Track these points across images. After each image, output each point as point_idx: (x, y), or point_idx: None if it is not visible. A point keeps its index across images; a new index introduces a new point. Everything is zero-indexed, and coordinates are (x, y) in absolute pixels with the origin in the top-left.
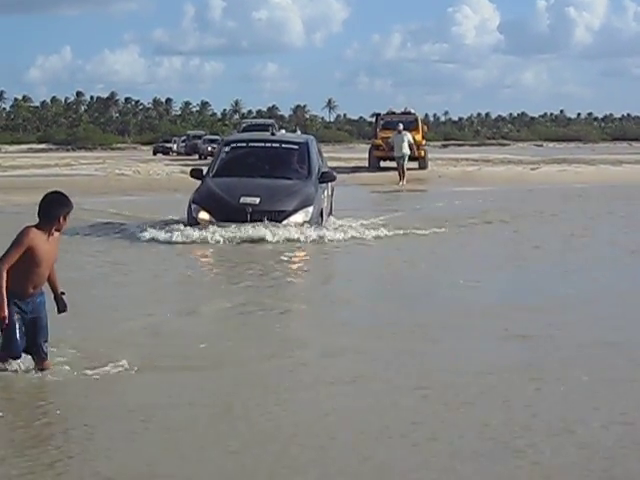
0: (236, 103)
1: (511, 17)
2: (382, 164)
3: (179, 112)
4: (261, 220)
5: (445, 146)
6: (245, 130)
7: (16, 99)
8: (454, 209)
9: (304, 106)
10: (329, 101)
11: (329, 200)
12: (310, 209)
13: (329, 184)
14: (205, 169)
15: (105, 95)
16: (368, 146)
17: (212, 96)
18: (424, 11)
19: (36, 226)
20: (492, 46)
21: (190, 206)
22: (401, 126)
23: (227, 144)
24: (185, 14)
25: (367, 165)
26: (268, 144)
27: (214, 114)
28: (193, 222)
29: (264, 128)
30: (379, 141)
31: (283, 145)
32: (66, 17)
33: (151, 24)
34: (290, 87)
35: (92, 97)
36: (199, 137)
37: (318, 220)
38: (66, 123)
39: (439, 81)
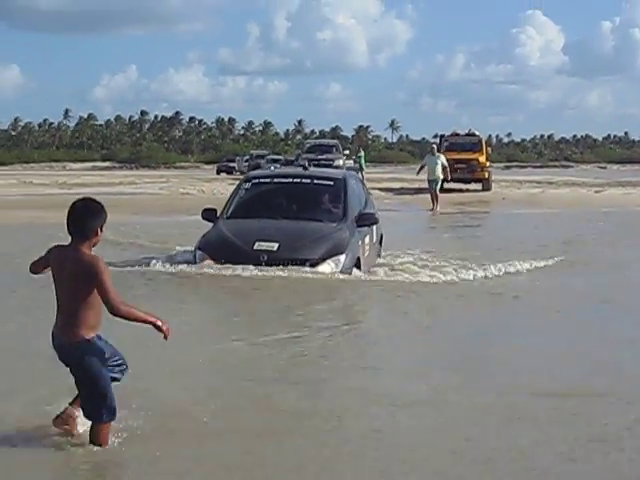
0: (299, 123)
1: (576, 38)
2: (445, 185)
3: (242, 132)
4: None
5: (508, 167)
6: (309, 150)
7: (81, 117)
8: (527, 237)
9: (367, 126)
10: (392, 122)
11: (374, 247)
12: (341, 257)
13: (374, 227)
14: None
15: (169, 114)
16: None
17: (275, 116)
18: (488, 32)
19: (75, 245)
20: (556, 67)
21: (194, 253)
22: (435, 147)
23: (248, 180)
24: (250, 34)
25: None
26: (297, 180)
27: (277, 134)
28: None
29: (328, 149)
30: None
31: (315, 181)
32: (132, 37)
33: (216, 44)
34: (353, 107)
35: (156, 116)
36: (262, 157)
37: (352, 271)
38: (130, 141)
39: (502, 102)
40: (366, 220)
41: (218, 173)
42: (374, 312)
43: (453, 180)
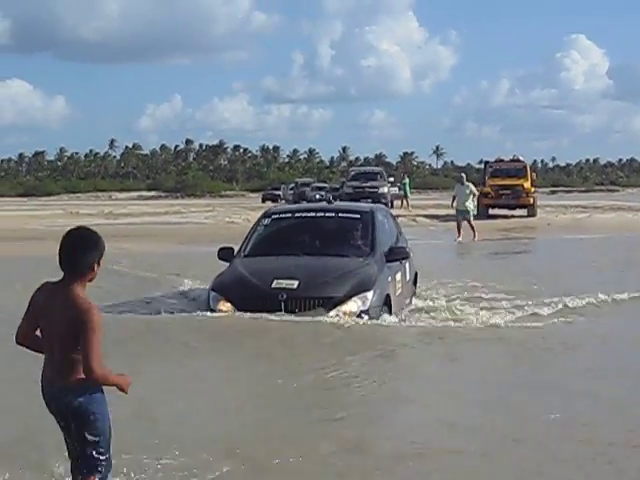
0: (344, 150)
1: (620, 62)
2: (491, 212)
3: (287, 160)
4: (298, 312)
5: (553, 192)
6: (354, 178)
7: (127, 147)
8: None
9: (411, 153)
10: (436, 148)
11: (407, 285)
12: (369, 295)
13: (406, 264)
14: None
15: (214, 143)
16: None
17: (320, 143)
18: (532, 57)
19: (67, 283)
20: (601, 91)
21: (208, 295)
22: (464, 177)
23: (267, 216)
24: (294, 62)
25: (475, 213)
26: (320, 214)
27: (322, 161)
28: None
29: (372, 176)
30: (487, 189)
31: (340, 215)
32: (177, 66)
33: (261, 73)
34: (398, 134)
35: (201, 145)
36: (307, 185)
37: (382, 310)
38: (175, 171)
39: (547, 127)
40: (397, 255)
41: (263, 201)
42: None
43: (498, 206)
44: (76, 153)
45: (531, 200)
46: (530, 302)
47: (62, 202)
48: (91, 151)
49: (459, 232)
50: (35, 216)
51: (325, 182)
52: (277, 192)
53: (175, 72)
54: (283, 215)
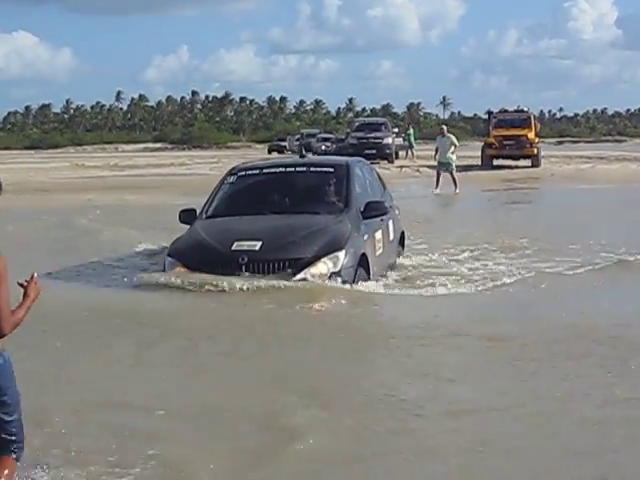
0: (350, 101)
1: (629, 11)
2: (495, 162)
3: (293, 111)
4: (262, 274)
5: (560, 143)
6: (358, 129)
7: (133, 99)
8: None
9: (418, 104)
10: (443, 98)
11: (389, 244)
12: (340, 254)
13: (390, 222)
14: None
15: (220, 94)
16: (481, 144)
17: (326, 94)
18: (540, 7)
19: None
20: (609, 41)
21: (164, 261)
22: (445, 128)
23: (232, 173)
24: (301, 13)
25: (480, 163)
26: (290, 169)
27: (328, 112)
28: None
29: (377, 127)
30: (492, 139)
31: (312, 169)
32: (184, 17)
33: (267, 23)
34: (404, 85)
35: (207, 96)
36: (313, 135)
37: (356, 272)
38: (181, 122)
39: (555, 77)
40: (374, 210)
41: (269, 152)
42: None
43: (502, 157)
44: (82, 105)
45: (535, 151)
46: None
47: (68, 155)
48: (97, 103)
49: (437, 184)
50: (41, 169)
51: (331, 133)
52: (283, 143)
53: (182, 23)
54: (250, 172)
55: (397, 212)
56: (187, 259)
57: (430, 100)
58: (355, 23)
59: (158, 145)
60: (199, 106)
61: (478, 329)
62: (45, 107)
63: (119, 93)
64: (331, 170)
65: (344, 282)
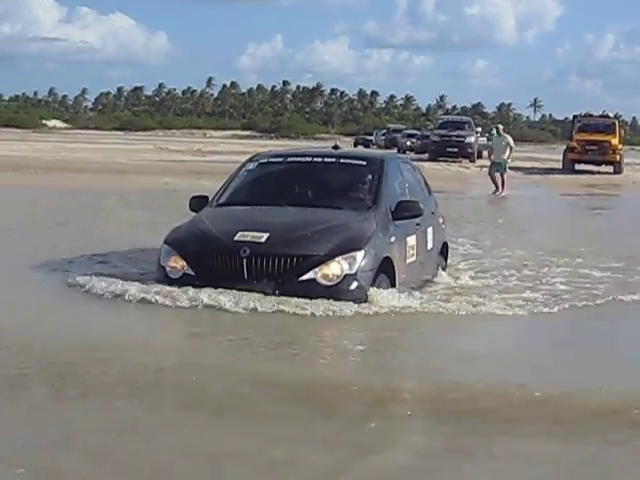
0: (441, 98)
1: None
2: (577, 167)
3: (383, 105)
4: (264, 272)
5: None
6: (441, 126)
7: (224, 85)
8: None
9: (509, 104)
10: (535, 100)
11: (428, 254)
12: (358, 255)
13: (429, 229)
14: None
15: (311, 85)
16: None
17: (417, 90)
18: (639, 12)
19: None
20: None
21: (161, 249)
22: (500, 127)
23: (253, 160)
24: (397, 7)
25: (561, 167)
26: (317, 159)
27: (418, 108)
28: (161, 276)
29: (460, 125)
30: (574, 143)
31: (342, 161)
32: (280, 7)
33: (363, 16)
34: (497, 84)
35: (298, 87)
36: (399, 131)
37: (376, 277)
38: (271, 111)
39: None
40: (406, 210)
41: (355, 146)
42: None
43: (584, 162)
44: (174, 89)
45: (618, 157)
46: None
47: (155, 138)
48: (189, 88)
49: (496, 186)
50: (125, 150)
51: (419, 129)
52: (369, 137)
53: (277, 12)
54: (272, 159)
55: (441, 220)
56: (184, 248)
57: (521, 101)
58: (451, 20)
59: (246, 133)
60: (289, 96)
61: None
62: (137, 89)
63: (210, 79)
64: (363, 164)
65: (359, 288)
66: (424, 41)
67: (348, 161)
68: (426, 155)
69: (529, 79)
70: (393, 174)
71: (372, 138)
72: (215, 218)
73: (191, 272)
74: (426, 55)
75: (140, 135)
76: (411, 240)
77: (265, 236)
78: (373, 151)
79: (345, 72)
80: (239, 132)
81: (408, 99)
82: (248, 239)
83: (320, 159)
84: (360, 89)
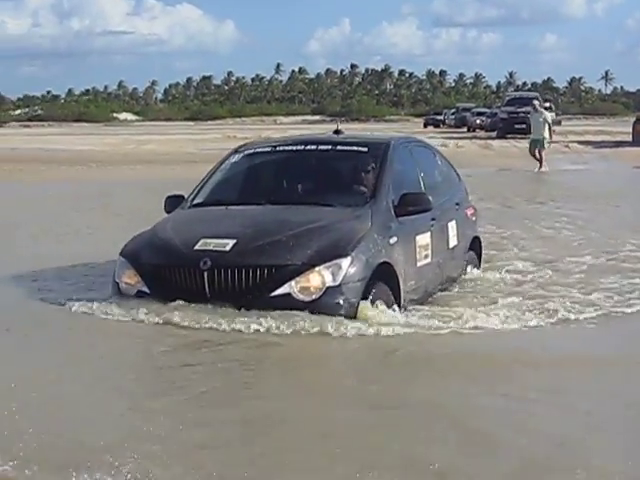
0: (510, 75)
1: None
2: None
3: (453, 84)
4: (228, 288)
5: None
6: (509, 103)
7: (293, 71)
8: None
9: (580, 78)
10: (606, 73)
11: (446, 251)
12: (344, 262)
13: (451, 224)
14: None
15: (379, 67)
16: None
17: (487, 68)
18: None
19: None
20: None
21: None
22: (537, 103)
23: (238, 152)
24: None
25: (631, 140)
26: (310, 147)
27: (488, 86)
28: (114, 293)
29: (527, 101)
30: None
31: (338, 148)
32: None
33: None
34: (567, 59)
35: (367, 69)
36: (468, 109)
37: (370, 288)
38: (340, 95)
39: None
40: (410, 205)
41: (425, 126)
42: None
43: None
44: (243, 77)
45: None
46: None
47: (225, 126)
48: (257, 75)
49: (539, 161)
50: (194, 140)
51: (489, 107)
52: (439, 117)
53: None
54: (260, 149)
55: (470, 212)
56: (139, 260)
57: (592, 75)
58: None
59: (316, 118)
60: (358, 79)
61: None
62: (206, 79)
63: (279, 65)
64: (364, 150)
65: (346, 303)
66: (492, 18)
67: (346, 148)
68: (495, 133)
69: (599, 52)
70: (400, 161)
71: (442, 118)
72: (181, 223)
73: (146, 289)
74: (495, 32)
75: (210, 124)
76: (423, 239)
77: (230, 243)
78: (380, 135)
79: (414, 53)
80: (309, 117)
81: (478, 77)
82: (210, 248)
83: (314, 147)
84: (429, 69)
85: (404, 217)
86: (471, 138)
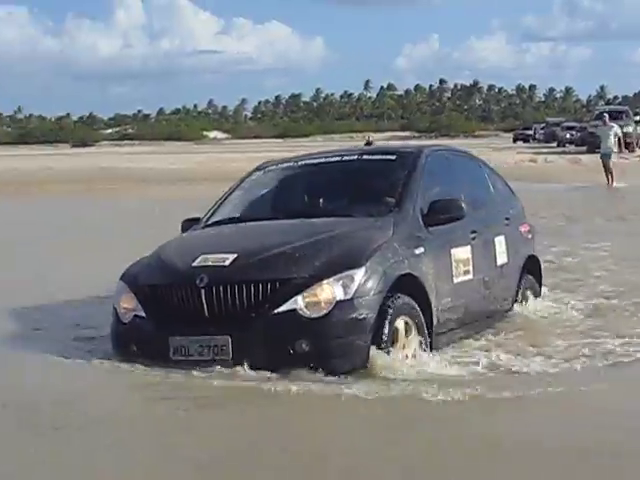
0: (601, 89)
1: None
2: None
3: (542, 99)
4: (228, 306)
5: None
6: (598, 117)
7: (382, 87)
8: None
9: None
10: None
11: (497, 268)
12: (356, 274)
13: (497, 236)
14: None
15: (468, 82)
16: None
17: (577, 82)
18: None
19: None
20: None
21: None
22: (607, 117)
23: (259, 169)
24: None
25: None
26: (334, 159)
27: (578, 100)
28: (114, 320)
29: (617, 115)
30: None
31: (364, 157)
32: (436, 6)
33: (520, 10)
34: None
35: (455, 85)
36: (557, 124)
37: (389, 303)
38: (429, 111)
39: None
40: (440, 212)
41: (514, 141)
42: None
43: None
44: (331, 94)
45: None
46: None
47: (314, 143)
48: (346, 92)
49: (610, 177)
50: (282, 156)
51: (579, 121)
52: (528, 132)
53: (434, 12)
54: (282, 165)
55: (524, 229)
56: (137, 283)
57: None
58: (609, 8)
59: (405, 133)
60: (447, 94)
61: None
62: (295, 96)
63: (367, 82)
64: (391, 159)
65: (358, 320)
66: (582, 31)
67: (373, 157)
68: (585, 147)
69: None
70: (433, 171)
71: (531, 132)
72: (186, 242)
73: (142, 313)
74: (585, 45)
75: (299, 141)
76: (461, 252)
77: (230, 258)
78: (411, 144)
79: (503, 67)
80: (398, 133)
81: (568, 91)
82: (209, 263)
83: (338, 158)
84: (518, 84)
85: (435, 227)
86: (560, 153)
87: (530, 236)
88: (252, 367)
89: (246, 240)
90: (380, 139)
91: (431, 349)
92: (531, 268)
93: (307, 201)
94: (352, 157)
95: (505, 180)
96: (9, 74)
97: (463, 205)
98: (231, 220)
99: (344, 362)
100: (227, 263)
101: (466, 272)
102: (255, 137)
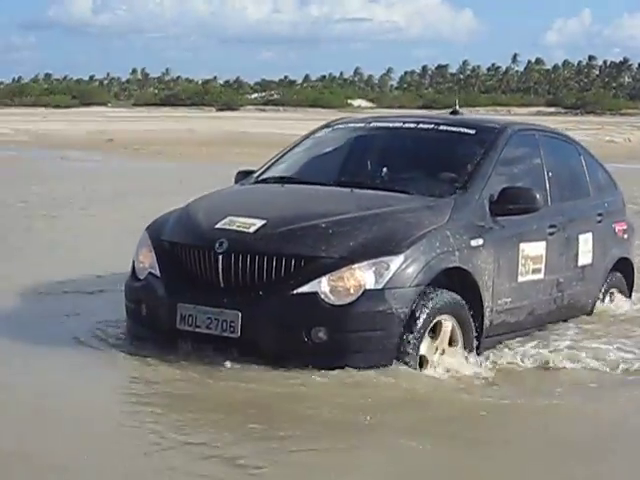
0: None
1: None
2: None
3: None
4: (245, 278)
5: None
6: None
7: (529, 62)
8: None
9: None
10: None
11: (578, 269)
12: (393, 261)
13: (584, 234)
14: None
15: (618, 60)
16: None
17: None
18: None
19: None
20: None
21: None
22: None
23: (328, 126)
24: None
25: None
26: (409, 125)
27: None
28: (130, 274)
29: None
30: None
31: (441, 128)
32: None
33: None
34: None
35: (605, 61)
36: None
37: (428, 296)
38: (576, 87)
39: None
40: (511, 201)
41: None
42: None
43: None
44: (478, 67)
45: None
46: None
47: None
48: (493, 65)
49: None
50: None
51: None
52: None
53: None
54: (351, 125)
55: (619, 227)
56: (159, 236)
57: None
58: None
59: (551, 110)
60: (595, 71)
61: None
62: (442, 67)
63: (515, 55)
64: (470, 132)
65: (389, 312)
66: None
67: (450, 128)
68: None
69: None
70: (516, 152)
71: None
72: (220, 198)
73: (156, 272)
74: None
75: (442, 113)
76: (532, 248)
77: (257, 224)
78: (497, 118)
79: None
80: (543, 109)
81: None
82: (233, 227)
83: (413, 125)
84: None
85: (505, 217)
86: None
87: (626, 236)
88: (258, 350)
89: (281, 206)
90: (525, 114)
91: (478, 353)
92: (625, 272)
93: (365, 169)
94: (428, 126)
95: (607, 170)
96: (159, 36)
97: (537, 196)
98: (281, 179)
99: (362, 358)
100: (252, 230)
101: (536, 270)
102: (400, 107)
